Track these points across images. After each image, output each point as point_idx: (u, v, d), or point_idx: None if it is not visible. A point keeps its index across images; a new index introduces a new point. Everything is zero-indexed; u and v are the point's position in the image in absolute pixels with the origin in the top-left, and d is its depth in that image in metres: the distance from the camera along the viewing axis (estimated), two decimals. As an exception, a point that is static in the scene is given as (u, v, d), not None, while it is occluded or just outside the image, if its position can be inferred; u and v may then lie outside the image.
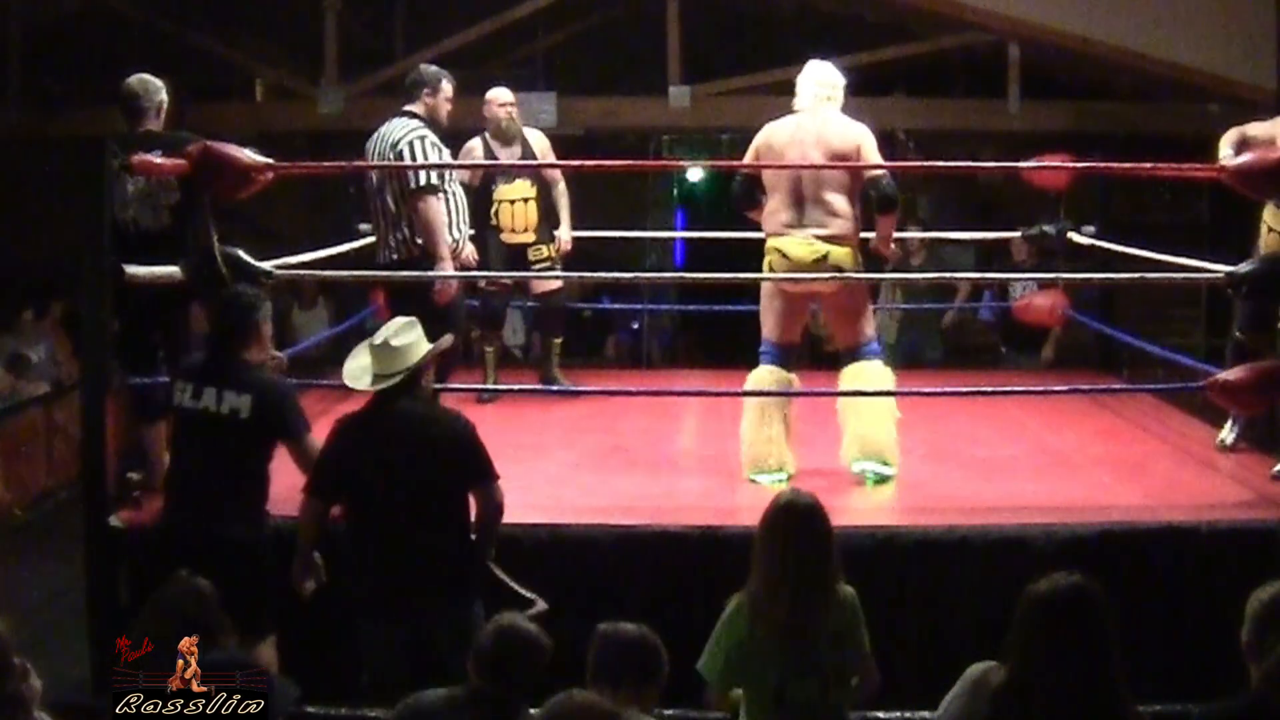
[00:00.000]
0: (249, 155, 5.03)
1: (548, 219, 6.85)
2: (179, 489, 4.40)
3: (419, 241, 5.53)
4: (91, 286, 4.75)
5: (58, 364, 9.27)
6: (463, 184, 6.74)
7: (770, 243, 5.29)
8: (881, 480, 5.23)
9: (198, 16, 10.33)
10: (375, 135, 5.74)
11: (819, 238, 5.19)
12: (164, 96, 5.38)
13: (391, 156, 5.57)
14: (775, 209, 5.29)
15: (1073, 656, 2.77)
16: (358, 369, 4.13)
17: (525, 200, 6.79)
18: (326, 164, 5.48)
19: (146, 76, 5.39)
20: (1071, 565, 2.92)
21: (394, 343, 4.04)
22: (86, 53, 10.20)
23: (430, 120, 5.69)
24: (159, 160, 5.03)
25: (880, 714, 4.02)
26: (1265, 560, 4.27)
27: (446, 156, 5.70)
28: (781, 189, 5.27)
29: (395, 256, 5.58)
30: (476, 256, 6.58)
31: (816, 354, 8.79)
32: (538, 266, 6.78)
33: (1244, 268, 5.04)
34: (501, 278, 6.75)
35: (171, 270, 5.10)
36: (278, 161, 5.13)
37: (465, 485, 4.05)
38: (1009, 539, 4.59)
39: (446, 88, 5.80)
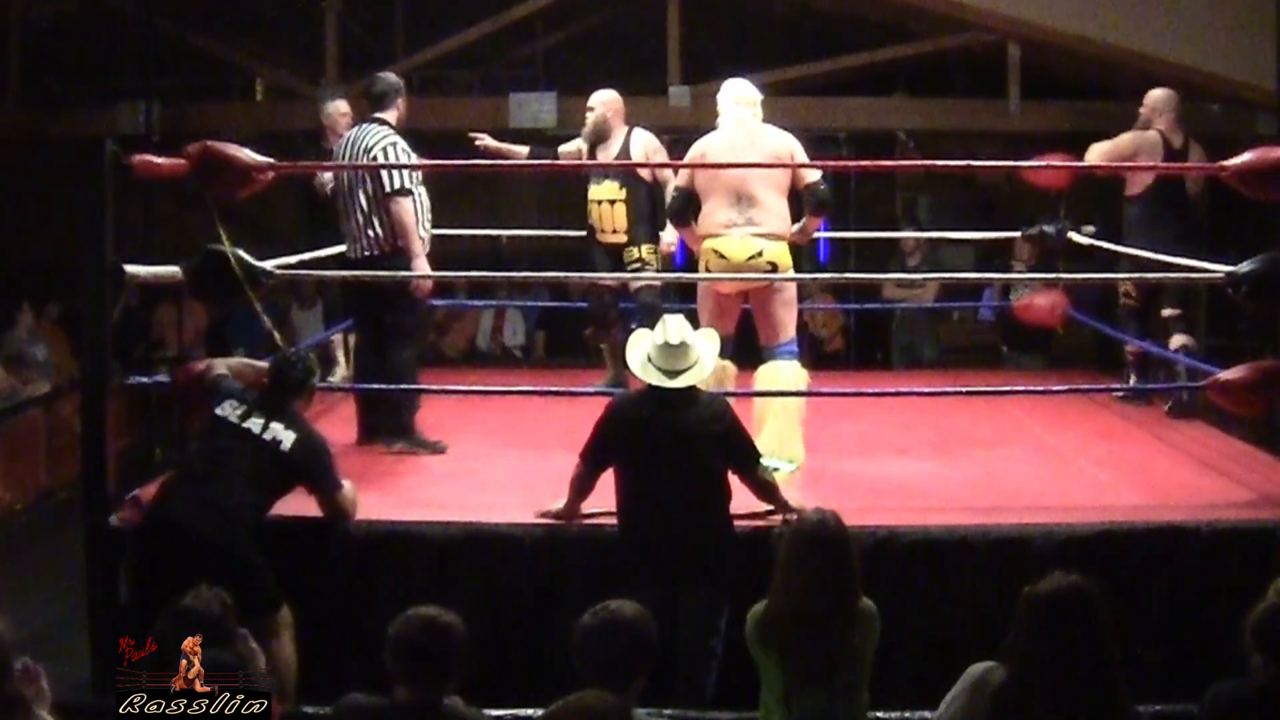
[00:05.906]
0: (249, 155, 5.04)
1: (645, 221, 6.82)
2: (184, 479, 4.43)
3: (393, 239, 5.72)
4: (91, 286, 4.75)
5: (57, 364, 9.26)
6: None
7: (707, 244, 5.42)
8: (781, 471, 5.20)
9: (198, 16, 10.34)
10: (346, 140, 5.94)
11: (755, 235, 5.32)
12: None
13: (365, 160, 5.73)
14: (712, 210, 5.42)
15: (1072, 657, 2.78)
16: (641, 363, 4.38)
17: (612, 202, 6.81)
18: (327, 164, 5.49)
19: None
20: (1071, 565, 2.93)
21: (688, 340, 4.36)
22: (86, 53, 10.21)
23: (396, 126, 5.85)
24: (159, 160, 5.04)
25: (880, 714, 4.02)
26: (1265, 560, 4.28)
27: (415, 160, 5.87)
28: (720, 192, 5.40)
29: (368, 253, 5.76)
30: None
31: (817, 355, 8.79)
32: (631, 268, 6.78)
33: (1244, 268, 5.03)
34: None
35: (172, 270, 5.11)
36: (278, 161, 5.14)
37: (727, 468, 4.29)
38: (1009, 539, 4.59)
39: (404, 94, 6.00)
